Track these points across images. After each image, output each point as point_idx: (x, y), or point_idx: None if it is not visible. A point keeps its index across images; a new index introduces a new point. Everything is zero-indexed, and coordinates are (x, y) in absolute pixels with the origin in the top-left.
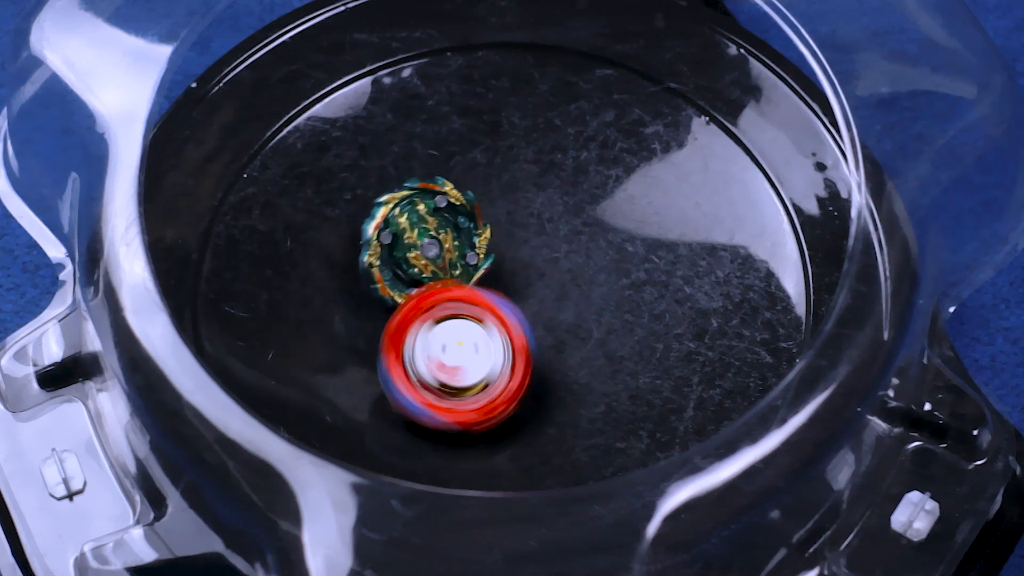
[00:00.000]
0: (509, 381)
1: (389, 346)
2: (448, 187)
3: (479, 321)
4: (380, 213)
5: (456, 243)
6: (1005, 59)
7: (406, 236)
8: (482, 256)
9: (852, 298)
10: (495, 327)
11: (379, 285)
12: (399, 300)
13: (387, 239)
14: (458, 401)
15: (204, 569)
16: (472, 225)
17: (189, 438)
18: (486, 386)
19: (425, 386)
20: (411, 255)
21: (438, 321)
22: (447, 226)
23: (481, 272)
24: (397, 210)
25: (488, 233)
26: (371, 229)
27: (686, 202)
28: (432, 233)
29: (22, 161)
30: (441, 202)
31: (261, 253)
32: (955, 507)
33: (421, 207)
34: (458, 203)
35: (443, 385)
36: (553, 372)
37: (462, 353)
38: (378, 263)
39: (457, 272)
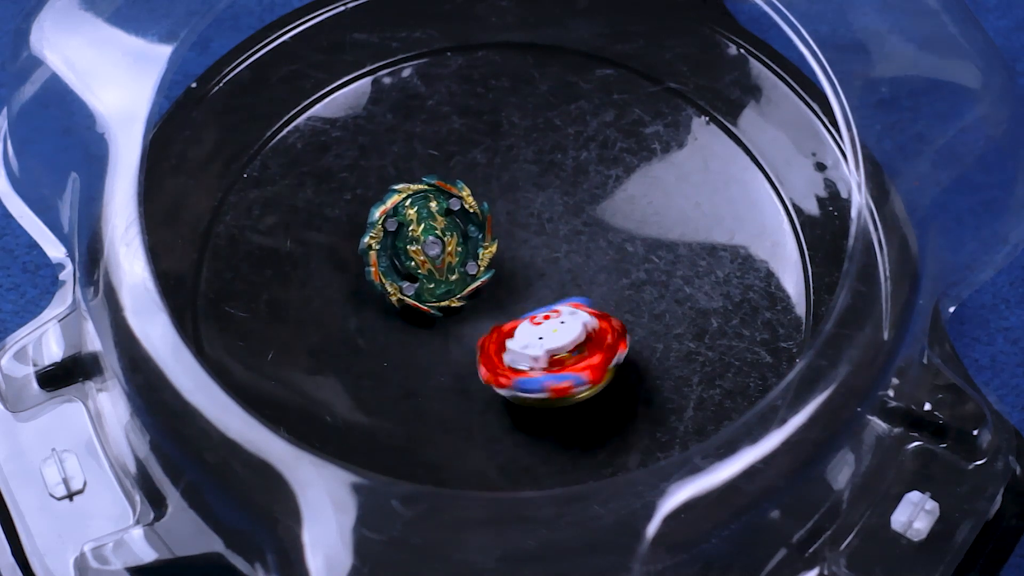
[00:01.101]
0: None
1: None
2: (465, 192)
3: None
4: (391, 200)
5: (459, 249)
6: (1005, 59)
7: (411, 228)
8: (482, 268)
9: (852, 298)
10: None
11: (372, 269)
12: (390, 288)
13: (392, 226)
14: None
15: (204, 569)
16: (481, 236)
17: (189, 438)
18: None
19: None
20: (411, 248)
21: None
22: (455, 230)
23: (478, 284)
24: (408, 201)
25: (494, 248)
26: (378, 213)
27: (686, 202)
28: (438, 233)
29: (22, 161)
30: (455, 205)
31: (261, 253)
32: (955, 507)
33: (433, 204)
34: (472, 211)
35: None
36: None
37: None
38: (377, 247)
39: (454, 277)
